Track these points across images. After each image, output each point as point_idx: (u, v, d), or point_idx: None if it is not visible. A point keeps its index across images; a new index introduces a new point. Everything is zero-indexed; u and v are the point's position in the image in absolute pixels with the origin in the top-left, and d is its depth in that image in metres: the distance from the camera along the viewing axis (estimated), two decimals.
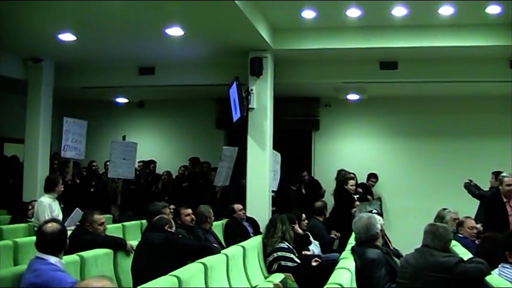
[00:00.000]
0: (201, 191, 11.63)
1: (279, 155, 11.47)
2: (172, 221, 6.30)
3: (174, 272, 4.60)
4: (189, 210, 7.66)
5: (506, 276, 4.71)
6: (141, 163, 12.70)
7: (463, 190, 9.45)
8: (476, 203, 9.45)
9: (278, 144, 10.93)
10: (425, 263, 4.86)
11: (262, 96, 10.37)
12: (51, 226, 4.40)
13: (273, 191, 10.82)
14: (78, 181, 12.13)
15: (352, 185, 10.73)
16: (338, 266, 5.12)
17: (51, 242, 4.33)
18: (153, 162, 13.52)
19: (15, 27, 9.34)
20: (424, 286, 4.76)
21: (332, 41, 10.14)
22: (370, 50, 10.18)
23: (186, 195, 11.63)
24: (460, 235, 7.42)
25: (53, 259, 4.27)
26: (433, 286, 4.72)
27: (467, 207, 9.21)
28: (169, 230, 6.01)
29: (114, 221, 10.40)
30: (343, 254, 6.01)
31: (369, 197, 12.03)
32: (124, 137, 11.82)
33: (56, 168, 12.14)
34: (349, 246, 6.52)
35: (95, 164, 13.20)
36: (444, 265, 4.73)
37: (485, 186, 9.63)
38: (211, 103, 13.91)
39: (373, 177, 12.64)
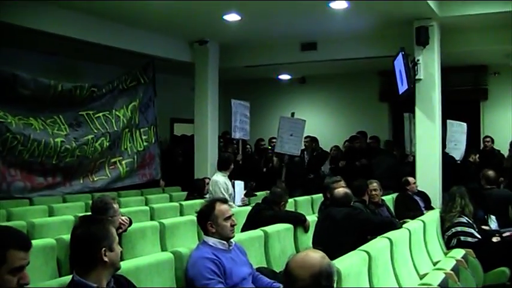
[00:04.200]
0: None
1: (463, 125, 11.23)
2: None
3: (363, 247, 4.58)
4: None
5: None
6: (307, 138, 12.72)
7: None
8: None
9: (444, 115, 10.53)
10: None
11: (430, 67, 10.02)
12: (202, 206, 4.49)
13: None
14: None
15: None
16: None
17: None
18: (315, 140, 13.50)
19: (182, 11, 9.70)
20: None
21: (501, 3, 9.52)
22: None
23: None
24: None
25: (212, 240, 4.29)
26: None
27: None
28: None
29: None
30: None
31: None
32: (293, 114, 11.95)
33: (221, 146, 12.58)
34: None
35: (263, 143, 13.44)
36: None
37: None
38: (374, 76, 13.73)
39: None
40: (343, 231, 5.53)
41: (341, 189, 6.25)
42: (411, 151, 11.02)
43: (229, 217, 4.37)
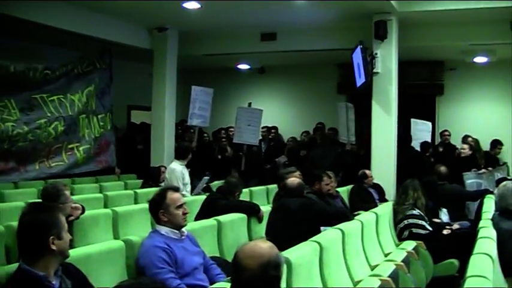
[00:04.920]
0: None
1: (429, 124, 11.56)
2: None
3: (315, 238, 4.60)
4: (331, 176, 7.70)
5: None
6: (264, 128, 12.78)
7: None
8: None
9: (400, 110, 10.65)
10: None
11: (387, 60, 10.16)
12: (153, 194, 4.46)
13: None
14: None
15: (463, 149, 10.49)
16: (481, 235, 4.94)
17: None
18: (274, 128, 13.59)
19: None
20: None
21: (459, 1, 9.67)
22: (501, 9, 9.56)
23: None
24: None
25: (164, 230, 4.27)
26: None
27: None
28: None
29: None
30: (482, 223, 5.80)
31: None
32: (250, 104, 11.99)
33: (181, 134, 12.50)
34: (485, 215, 6.31)
35: (223, 131, 13.36)
36: None
37: None
38: (333, 68, 13.79)
39: (499, 143, 12.04)
40: (297, 221, 5.54)
41: (294, 179, 6.26)
42: (349, 140, 11.19)
43: (181, 205, 4.35)
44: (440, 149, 12.10)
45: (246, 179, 10.55)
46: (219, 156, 12.25)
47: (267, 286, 2.75)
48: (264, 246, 2.83)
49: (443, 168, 9.17)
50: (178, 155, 8.64)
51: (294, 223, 5.53)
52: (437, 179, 8.96)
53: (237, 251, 2.81)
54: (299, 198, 5.91)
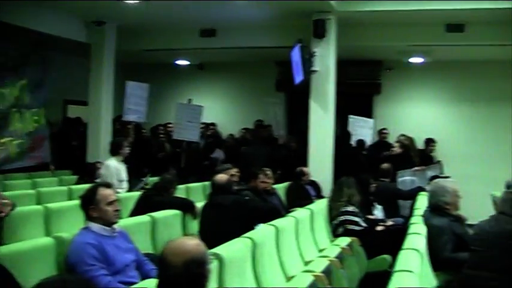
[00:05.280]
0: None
1: (369, 121, 11.88)
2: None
3: (248, 234, 4.60)
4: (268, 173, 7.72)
5: None
6: (203, 125, 12.72)
7: None
8: None
9: (338, 108, 10.79)
10: (501, 230, 4.70)
11: (326, 59, 10.25)
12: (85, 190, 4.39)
13: None
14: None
15: (393, 147, 11.02)
16: (411, 231, 5.04)
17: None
18: (213, 124, 13.55)
19: None
20: (498, 254, 4.61)
21: (397, 2, 9.87)
22: (436, 12, 9.84)
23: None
24: None
25: (95, 226, 4.19)
26: (509, 254, 4.57)
27: None
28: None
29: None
30: (413, 219, 5.92)
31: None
32: (190, 101, 11.89)
33: (118, 130, 12.31)
34: (416, 211, 6.44)
35: (161, 127, 13.19)
36: None
37: None
38: (272, 65, 13.77)
39: (432, 141, 12.35)
40: (230, 218, 5.54)
41: (223, 176, 6.27)
42: (279, 135, 11.31)
43: (113, 202, 4.27)
44: (375, 147, 12.27)
45: (185, 176, 10.52)
46: (160, 156, 12.13)
47: (190, 283, 2.71)
48: (191, 243, 2.79)
49: (386, 166, 9.43)
50: (111, 151, 8.51)
51: (227, 220, 5.53)
52: (381, 176, 9.20)
53: (164, 247, 2.78)
54: (232, 195, 5.91)
